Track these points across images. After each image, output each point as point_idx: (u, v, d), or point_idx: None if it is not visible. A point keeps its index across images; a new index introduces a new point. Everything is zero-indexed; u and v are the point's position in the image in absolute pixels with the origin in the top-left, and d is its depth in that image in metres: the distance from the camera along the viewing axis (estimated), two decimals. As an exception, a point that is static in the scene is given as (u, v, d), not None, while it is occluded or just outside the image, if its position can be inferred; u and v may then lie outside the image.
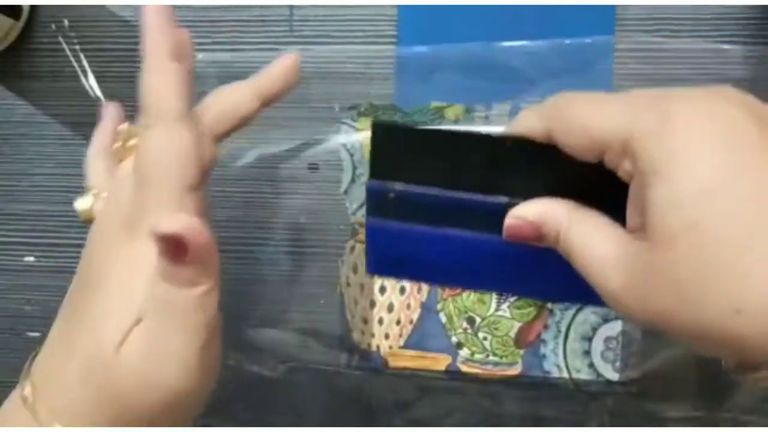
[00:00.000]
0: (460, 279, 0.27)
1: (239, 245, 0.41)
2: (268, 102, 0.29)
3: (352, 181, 0.40)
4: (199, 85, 0.41)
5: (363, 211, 0.40)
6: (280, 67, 0.29)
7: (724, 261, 0.19)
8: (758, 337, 0.19)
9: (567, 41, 0.38)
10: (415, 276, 0.28)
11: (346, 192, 0.40)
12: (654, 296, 0.20)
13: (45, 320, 0.44)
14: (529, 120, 0.24)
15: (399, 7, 0.40)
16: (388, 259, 0.27)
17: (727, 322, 0.19)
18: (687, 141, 0.20)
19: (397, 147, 0.25)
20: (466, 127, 0.39)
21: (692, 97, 0.21)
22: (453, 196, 0.25)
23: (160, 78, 0.25)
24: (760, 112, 0.20)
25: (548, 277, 0.25)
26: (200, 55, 0.41)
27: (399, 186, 0.25)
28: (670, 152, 0.20)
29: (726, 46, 0.37)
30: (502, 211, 0.24)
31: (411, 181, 0.25)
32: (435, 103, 0.39)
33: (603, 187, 0.23)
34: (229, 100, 0.28)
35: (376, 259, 0.27)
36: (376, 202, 0.26)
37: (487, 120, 0.38)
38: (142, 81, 0.25)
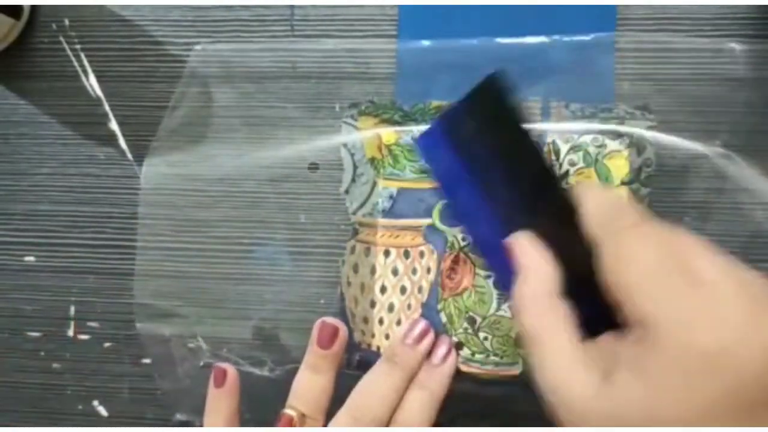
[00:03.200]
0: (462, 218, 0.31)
1: (239, 245, 0.41)
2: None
3: (353, 180, 0.40)
4: (197, 85, 0.42)
5: (363, 210, 0.40)
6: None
7: None
8: None
9: (567, 38, 0.38)
10: (439, 179, 0.31)
11: (346, 192, 0.40)
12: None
13: (45, 320, 0.44)
14: (593, 214, 0.26)
15: (400, 6, 0.40)
16: (433, 154, 0.31)
17: None
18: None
19: (493, 101, 0.29)
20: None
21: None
22: (498, 174, 0.29)
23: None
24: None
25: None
26: (198, 46, 0.41)
27: (474, 129, 0.29)
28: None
29: (727, 45, 0.37)
30: (520, 221, 0.28)
31: (483, 134, 0.29)
32: (436, 102, 0.39)
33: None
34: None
35: (428, 141, 0.31)
36: (450, 119, 0.29)
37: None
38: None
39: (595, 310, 0.25)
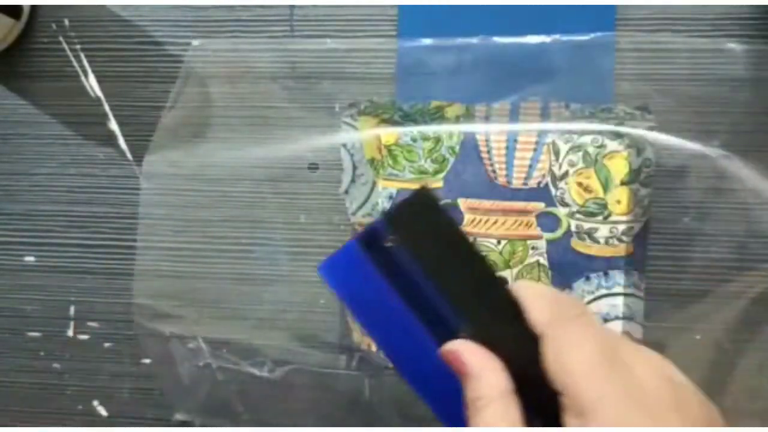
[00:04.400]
0: (386, 343, 0.29)
1: (239, 245, 0.41)
2: None
3: (352, 181, 0.40)
4: (195, 82, 0.42)
5: (363, 210, 0.40)
6: None
7: None
8: None
9: (566, 38, 0.38)
10: (353, 307, 0.29)
11: (346, 192, 0.40)
12: None
13: (45, 320, 0.44)
14: (536, 308, 0.26)
15: (399, 6, 0.40)
16: (344, 280, 0.29)
17: None
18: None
19: (421, 215, 0.27)
20: (468, 126, 0.39)
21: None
22: (427, 288, 0.27)
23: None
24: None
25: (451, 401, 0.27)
26: (196, 41, 0.41)
27: (398, 244, 0.27)
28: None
29: (726, 45, 0.37)
30: (454, 329, 0.27)
31: (409, 249, 0.27)
32: (435, 102, 0.39)
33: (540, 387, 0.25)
34: None
35: (335, 266, 0.29)
36: (370, 237, 0.27)
37: (487, 119, 0.38)
38: None
39: (540, 402, 0.25)
